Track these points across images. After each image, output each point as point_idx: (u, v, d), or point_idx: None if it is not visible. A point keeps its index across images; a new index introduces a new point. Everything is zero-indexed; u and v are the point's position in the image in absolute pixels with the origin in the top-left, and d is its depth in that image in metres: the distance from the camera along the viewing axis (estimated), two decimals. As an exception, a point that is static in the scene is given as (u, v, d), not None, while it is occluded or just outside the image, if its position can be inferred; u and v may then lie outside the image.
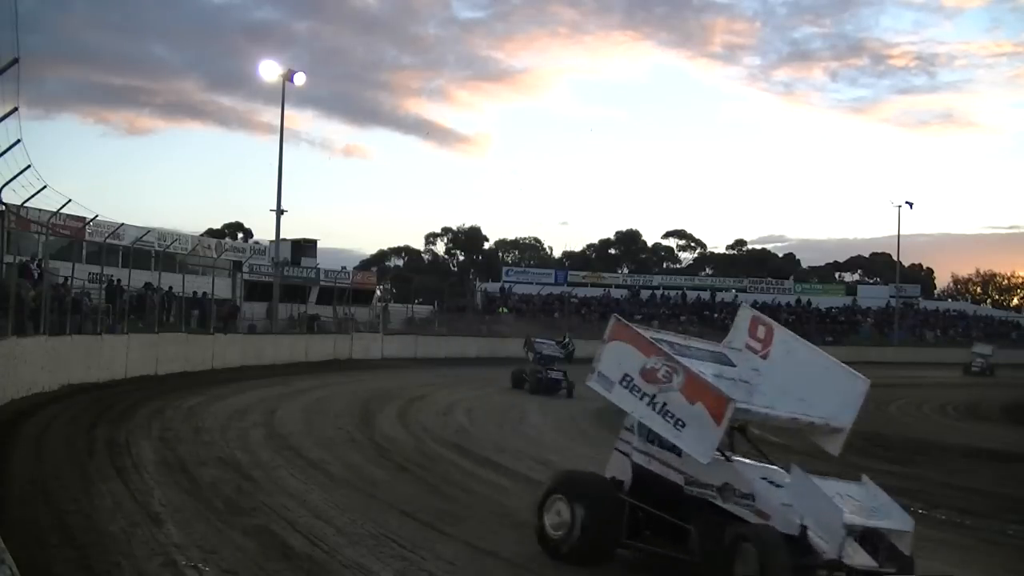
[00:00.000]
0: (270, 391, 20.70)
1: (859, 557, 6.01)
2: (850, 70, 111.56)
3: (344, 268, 51.55)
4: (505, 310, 54.22)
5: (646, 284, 68.70)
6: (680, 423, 6.58)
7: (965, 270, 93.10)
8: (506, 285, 62.12)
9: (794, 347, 7.51)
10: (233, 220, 77.76)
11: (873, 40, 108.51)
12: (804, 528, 6.10)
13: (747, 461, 7.09)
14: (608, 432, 17.29)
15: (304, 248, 48.68)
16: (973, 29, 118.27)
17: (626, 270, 79.89)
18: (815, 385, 7.18)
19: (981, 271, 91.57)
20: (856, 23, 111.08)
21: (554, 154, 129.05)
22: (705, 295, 65.40)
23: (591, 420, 18.91)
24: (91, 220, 25.67)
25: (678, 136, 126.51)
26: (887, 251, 79.44)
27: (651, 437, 7.16)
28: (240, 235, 72.65)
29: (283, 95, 36.45)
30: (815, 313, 61.98)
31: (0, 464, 10.18)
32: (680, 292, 65.34)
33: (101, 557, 6.71)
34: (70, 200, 19.56)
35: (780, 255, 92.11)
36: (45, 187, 17.57)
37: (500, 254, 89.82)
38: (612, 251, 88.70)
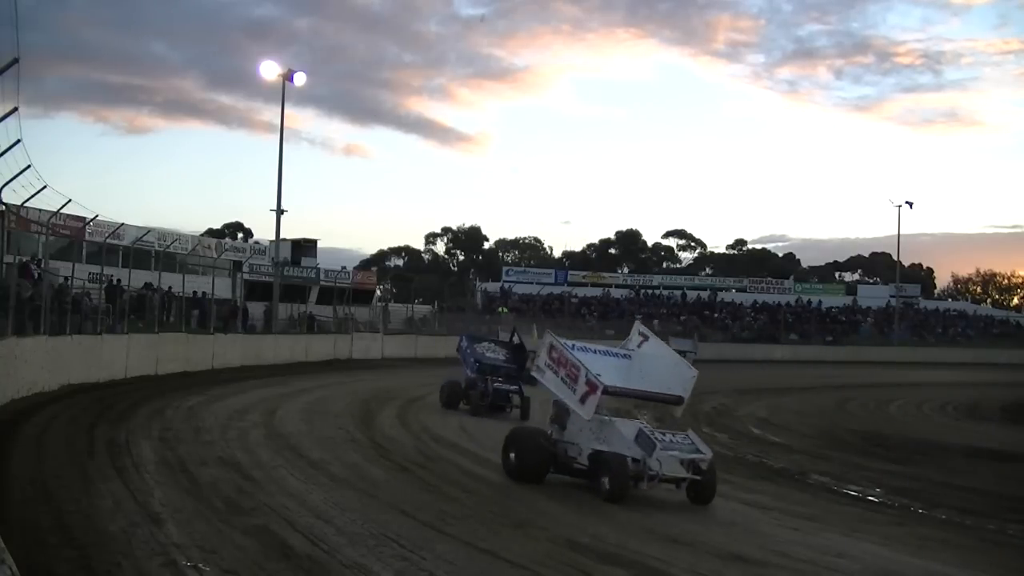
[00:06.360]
0: (270, 391, 20.67)
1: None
2: (855, 68, 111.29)
3: (344, 268, 51.57)
4: (505, 310, 54.18)
5: (646, 284, 68.68)
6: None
7: (965, 270, 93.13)
8: (506, 285, 62.16)
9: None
10: (233, 220, 78.03)
11: (879, 38, 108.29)
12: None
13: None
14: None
15: (304, 248, 48.72)
16: (980, 26, 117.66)
17: (626, 270, 79.86)
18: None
19: (981, 271, 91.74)
20: (862, 20, 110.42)
21: (555, 153, 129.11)
22: (705, 295, 65.38)
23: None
24: (91, 220, 25.64)
25: (680, 135, 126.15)
26: (887, 251, 79.51)
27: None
28: (240, 235, 72.77)
29: (283, 95, 36.50)
30: (815, 313, 61.94)
31: (0, 464, 10.19)
32: (680, 292, 65.32)
33: (101, 557, 6.70)
34: (70, 200, 19.55)
35: (780, 255, 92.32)
36: (45, 187, 17.55)
37: (500, 254, 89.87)
38: (612, 251, 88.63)
